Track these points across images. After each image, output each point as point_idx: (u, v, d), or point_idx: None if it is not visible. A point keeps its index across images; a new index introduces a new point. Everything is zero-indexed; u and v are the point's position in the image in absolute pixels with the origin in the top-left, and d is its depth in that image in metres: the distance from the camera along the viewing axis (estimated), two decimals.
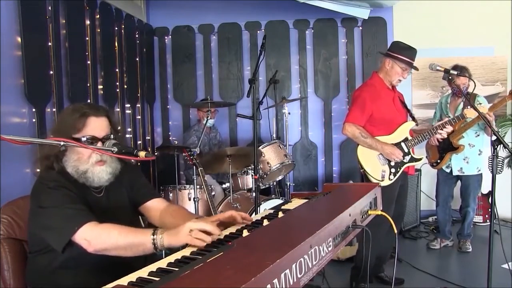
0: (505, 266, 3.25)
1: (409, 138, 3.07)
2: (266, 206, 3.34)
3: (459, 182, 4.04)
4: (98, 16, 3.97)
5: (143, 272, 1.17)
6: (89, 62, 3.78)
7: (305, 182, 5.24)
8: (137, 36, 4.79)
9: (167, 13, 5.22)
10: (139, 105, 4.80)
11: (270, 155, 3.87)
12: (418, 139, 3.08)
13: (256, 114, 3.05)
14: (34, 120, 3.06)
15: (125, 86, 4.45)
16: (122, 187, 1.81)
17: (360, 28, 5.14)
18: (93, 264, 1.57)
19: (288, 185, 4.41)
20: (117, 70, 4.29)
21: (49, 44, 3.24)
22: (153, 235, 1.43)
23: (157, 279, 1.11)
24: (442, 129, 3.06)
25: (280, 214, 1.62)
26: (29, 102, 3.02)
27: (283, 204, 1.99)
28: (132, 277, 1.14)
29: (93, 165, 1.66)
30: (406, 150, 3.05)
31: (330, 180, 5.19)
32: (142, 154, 1.52)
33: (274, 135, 4.82)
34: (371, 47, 5.11)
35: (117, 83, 4.29)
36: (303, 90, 5.21)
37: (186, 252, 1.32)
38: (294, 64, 5.21)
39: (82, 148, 1.60)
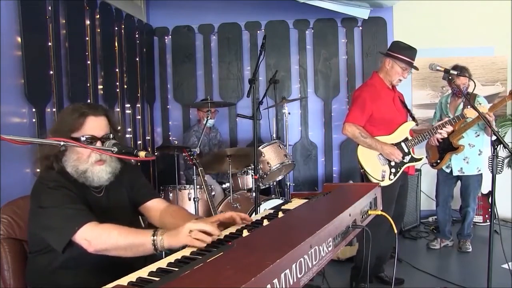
0: (505, 266, 3.25)
1: (409, 138, 3.07)
2: (266, 206, 3.34)
3: (459, 182, 4.04)
4: (98, 16, 3.97)
5: (143, 272, 1.17)
6: (89, 62, 3.78)
7: (305, 182, 5.24)
8: (137, 36, 4.79)
9: (167, 13, 5.22)
10: (139, 105, 4.80)
11: (270, 155, 3.87)
12: (418, 139, 3.08)
13: (256, 114, 3.05)
14: (34, 120, 3.06)
15: (125, 86, 4.45)
16: (122, 187, 1.81)
17: (360, 28, 5.14)
18: (93, 264, 1.57)
19: (288, 185, 4.41)
20: (117, 70, 4.29)
21: (49, 44, 3.24)
22: (153, 236, 1.43)
23: (157, 279, 1.11)
24: (442, 129, 3.06)
25: (280, 214, 1.62)
26: (29, 102, 3.02)
27: (283, 204, 1.99)
28: (132, 277, 1.14)
29: (93, 165, 1.66)
30: (406, 150, 3.05)
31: (330, 180, 5.19)
32: (142, 154, 1.52)
33: (274, 135, 4.82)
34: (371, 47, 5.11)
35: (117, 83, 4.29)
36: (303, 90, 5.21)
37: (186, 252, 1.32)
38: (294, 64, 5.21)
39: (81, 148, 1.60)
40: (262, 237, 1.30)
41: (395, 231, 1.92)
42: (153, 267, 1.20)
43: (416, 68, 3.04)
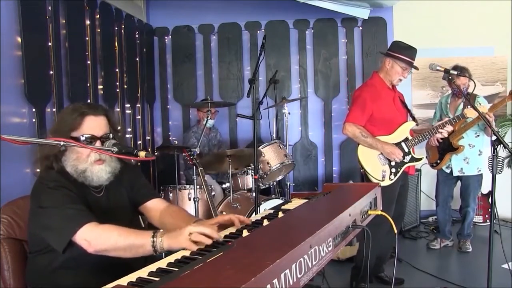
0: (505, 266, 3.25)
1: (409, 138, 3.07)
2: (266, 206, 3.34)
3: (459, 182, 4.05)
4: (98, 16, 3.97)
5: (143, 272, 1.17)
6: (89, 62, 3.78)
7: (305, 182, 5.24)
8: (137, 36, 4.79)
9: (167, 13, 5.22)
10: (139, 105, 4.80)
11: (270, 155, 3.87)
12: (419, 139, 3.08)
13: (256, 114, 3.05)
14: (34, 120, 3.06)
15: (125, 86, 4.45)
16: (122, 187, 1.81)
17: (360, 28, 5.14)
18: (93, 264, 1.57)
19: (288, 185, 4.41)
20: (117, 70, 4.29)
21: (49, 44, 3.24)
22: (153, 238, 1.43)
23: (157, 279, 1.11)
24: (442, 129, 3.06)
25: (280, 214, 1.62)
26: (29, 102, 3.02)
27: (283, 204, 1.99)
28: (132, 277, 1.14)
29: (92, 164, 1.66)
30: (406, 150, 3.05)
31: (330, 180, 5.19)
32: (142, 154, 1.52)
33: (274, 135, 4.82)
34: (371, 47, 5.11)
35: (117, 83, 4.29)
36: (303, 90, 5.21)
37: (186, 252, 1.32)
38: (294, 64, 5.21)
39: (81, 148, 1.60)
40: (262, 237, 1.30)
41: (395, 231, 1.92)
42: (153, 267, 1.20)
43: (416, 68, 3.04)
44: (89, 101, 3.73)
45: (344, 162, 5.21)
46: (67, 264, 1.58)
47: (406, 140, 3.06)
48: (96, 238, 1.47)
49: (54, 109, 3.27)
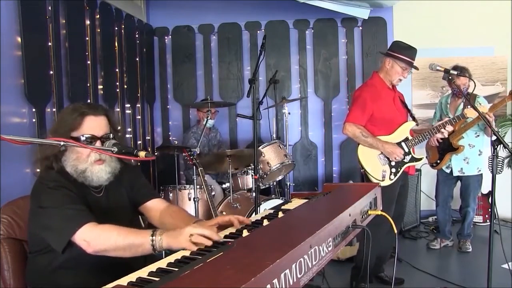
0: (505, 266, 3.25)
1: (410, 138, 3.07)
2: (266, 206, 3.34)
3: (459, 182, 4.05)
4: (98, 16, 3.97)
5: (143, 272, 1.17)
6: (89, 62, 3.78)
7: (305, 182, 5.24)
8: (137, 36, 4.79)
9: (167, 13, 5.22)
10: (139, 105, 4.80)
11: (270, 155, 3.87)
12: (419, 139, 3.08)
13: (256, 114, 3.05)
14: (34, 120, 3.06)
15: (125, 86, 4.45)
16: (121, 187, 1.81)
17: (360, 28, 5.14)
18: (93, 264, 1.57)
19: (288, 185, 4.41)
20: (117, 70, 4.29)
21: (49, 44, 3.24)
22: (152, 236, 1.43)
23: (157, 279, 1.11)
24: (442, 129, 3.06)
25: (280, 214, 1.62)
26: (29, 102, 3.02)
27: (283, 204, 1.99)
28: (132, 277, 1.14)
29: (92, 164, 1.66)
30: (406, 150, 3.05)
31: (330, 180, 5.19)
32: (142, 154, 1.52)
33: (274, 135, 4.82)
34: (371, 47, 5.11)
35: (117, 83, 4.29)
36: (303, 90, 5.21)
37: (186, 252, 1.32)
38: (294, 64, 5.21)
39: (81, 147, 1.60)
40: (262, 237, 1.30)
41: (395, 231, 1.92)
42: (153, 267, 1.20)
43: (416, 68, 3.04)
44: (89, 101, 3.74)
45: (344, 162, 5.21)
46: (67, 264, 1.58)
47: (406, 140, 3.06)
48: (96, 238, 1.47)
49: (54, 109, 3.27)
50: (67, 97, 3.44)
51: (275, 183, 4.28)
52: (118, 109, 4.30)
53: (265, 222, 1.51)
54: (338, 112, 5.19)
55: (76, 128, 1.64)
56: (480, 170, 3.91)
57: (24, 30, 2.92)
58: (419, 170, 4.67)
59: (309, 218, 1.57)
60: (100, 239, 1.47)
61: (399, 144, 3.04)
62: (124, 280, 1.12)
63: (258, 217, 1.70)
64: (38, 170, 2.11)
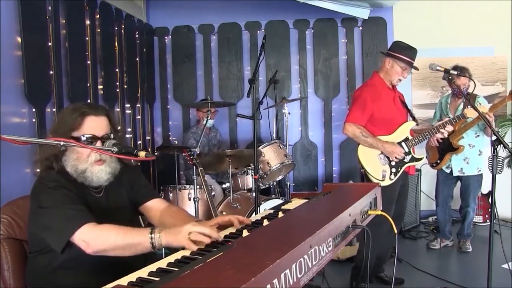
0: (505, 266, 3.25)
1: (410, 137, 3.07)
2: (266, 206, 3.34)
3: (459, 182, 4.05)
4: (98, 16, 3.97)
5: (143, 272, 1.17)
6: (89, 62, 3.78)
7: (305, 182, 5.24)
8: (137, 36, 4.79)
9: (167, 13, 5.22)
10: (139, 105, 4.80)
11: (270, 155, 3.87)
12: (419, 139, 3.08)
13: (256, 114, 3.05)
14: (34, 120, 3.06)
15: (125, 86, 4.45)
16: (121, 187, 1.81)
17: (360, 28, 5.14)
18: (93, 264, 1.57)
19: (288, 185, 4.41)
20: (117, 70, 4.29)
21: (49, 44, 3.24)
22: (151, 234, 1.44)
23: (157, 279, 1.11)
24: (442, 129, 3.06)
25: (280, 214, 1.62)
26: (29, 102, 3.02)
27: (283, 204, 1.99)
28: (132, 277, 1.14)
29: (92, 164, 1.66)
30: (406, 150, 3.05)
31: (330, 180, 5.19)
32: (142, 154, 1.52)
33: (274, 135, 4.82)
34: (371, 47, 5.11)
35: (117, 83, 4.29)
36: (303, 90, 5.21)
37: (186, 252, 1.32)
38: (294, 64, 5.21)
39: (81, 147, 1.60)
40: (262, 237, 1.30)
41: (395, 231, 1.92)
42: (153, 267, 1.20)
43: (416, 69, 3.04)
44: (89, 101, 3.74)
45: (344, 162, 5.21)
46: (67, 264, 1.57)
47: (406, 140, 3.06)
48: (95, 238, 1.47)
49: (54, 109, 3.27)
50: (67, 97, 3.44)
51: (275, 183, 4.28)
52: (118, 109, 4.30)
53: (265, 222, 1.51)
54: (338, 112, 5.19)
55: (77, 128, 1.64)
56: (480, 170, 3.91)
57: (24, 30, 2.92)
58: (419, 170, 4.67)
59: (309, 218, 1.57)
60: (99, 239, 1.47)
61: (399, 144, 3.04)
62: (124, 280, 1.12)
63: (258, 217, 1.70)
64: (38, 170, 2.11)
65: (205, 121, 4.08)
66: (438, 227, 4.27)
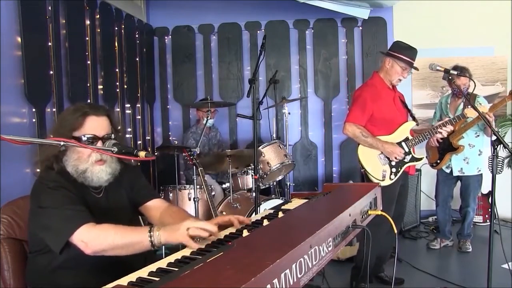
0: (505, 266, 3.25)
1: (410, 137, 3.07)
2: (266, 206, 3.34)
3: (459, 182, 4.05)
4: (98, 16, 3.97)
5: (143, 272, 1.17)
6: (89, 62, 3.78)
7: (305, 182, 5.24)
8: (137, 36, 4.79)
9: (167, 13, 5.22)
10: (139, 105, 4.80)
11: (270, 155, 3.87)
12: (419, 139, 3.08)
13: (256, 114, 3.05)
14: (34, 120, 3.06)
15: (125, 86, 4.45)
16: (121, 187, 1.81)
17: (360, 28, 5.14)
18: (93, 264, 1.57)
19: (288, 185, 4.41)
20: (117, 70, 4.29)
21: (49, 44, 3.24)
22: (150, 232, 1.44)
23: (157, 279, 1.11)
24: (442, 128, 3.06)
25: (280, 214, 1.62)
26: (29, 102, 3.02)
27: (283, 204, 1.99)
28: (132, 277, 1.14)
29: (93, 165, 1.66)
30: (406, 150, 3.05)
31: (330, 180, 5.19)
32: (142, 154, 1.52)
33: (274, 135, 4.82)
34: (371, 47, 5.11)
35: (117, 83, 4.29)
36: (303, 90, 5.21)
37: (186, 252, 1.32)
38: (294, 64, 5.21)
39: (81, 147, 1.60)
40: (262, 237, 1.30)
41: (395, 231, 1.92)
42: (153, 267, 1.20)
43: (416, 69, 3.04)
44: (89, 101, 3.74)
45: (344, 162, 5.21)
46: (66, 264, 1.57)
47: (406, 140, 3.06)
48: (94, 239, 1.47)
49: (54, 109, 3.27)
50: (67, 97, 3.44)
51: (275, 183, 4.28)
52: (118, 109, 4.30)
53: (265, 222, 1.51)
54: (338, 112, 5.19)
55: (78, 128, 1.64)
56: (480, 170, 3.91)
57: (24, 30, 2.92)
58: (419, 170, 4.67)
59: (309, 218, 1.57)
60: (98, 240, 1.47)
61: (399, 144, 3.04)
62: (124, 280, 1.12)
63: (258, 217, 1.70)
64: (38, 170, 2.11)
65: (205, 121, 4.08)
66: (438, 227, 4.27)
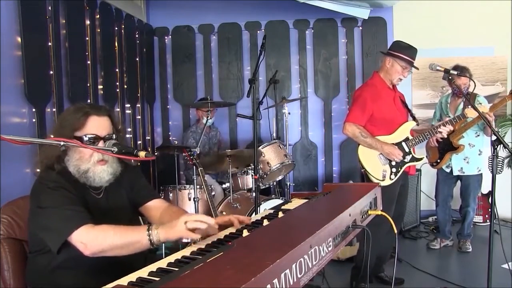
0: (505, 266, 3.25)
1: (410, 137, 3.07)
2: (266, 206, 3.34)
3: (459, 182, 4.05)
4: (98, 16, 3.97)
5: (143, 272, 1.17)
6: (89, 62, 3.78)
7: (305, 182, 5.24)
8: (137, 36, 4.79)
9: (167, 13, 5.22)
10: (139, 105, 4.80)
11: (270, 155, 3.87)
12: (419, 139, 3.08)
13: (256, 114, 3.05)
14: (34, 120, 3.06)
15: (125, 86, 4.45)
16: (121, 188, 1.81)
17: (360, 28, 5.14)
18: (93, 264, 1.57)
19: (288, 185, 4.41)
20: (117, 70, 4.29)
21: (49, 44, 3.24)
22: (149, 231, 1.45)
23: (157, 279, 1.11)
24: (442, 127, 3.05)
25: (280, 214, 1.62)
26: (29, 102, 3.01)
27: (283, 204, 1.99)
28: (132, 277, 1.14)
29: (95, 164, 1.66)
30: (407, 150, 3.05)
31: (330, 180, 5.19)
32: (142, 154, 1.52)
33: (274, 135, 4.82)
34: (371, 47, 5.11)
35: (117, 83, 4.29)
36: (303, 90, 5.21)
37: (186, 252, 1.32)
38: (294, 64, 5.21)
39: (81, 147, 1.60)
40: (262, 237, 1.30)
41: (395, 231, 1.92)
42: (153, 267, 1.20)
43: (416, 68, 3.04)
44: (89, 101, 3.74)
45: (344, 162, 5.21)
46: (66, 264, 1.57)
47: (406, 140, 3.06)
48: (93, 240, 1.47)
49: (54, 109, 3.27)
50: (67, 97, 3.44)
51: (275, 183, 4.28)
52: (118, 109, 4.30)
53: (265, 222, 1.51)
54: (338, 112, 5.19)
55: (80, 128, 1.64)
56: (480, 170, 3.91)
57: (24, 30, 2.92)
58: (419, 170, 4.67)
59: (309, 218, 1.57)
60: (97, 241, 1.47)
61: (399, 144, 3.04)
62: (124, 280, 1.12)
63: (258, 217, 1.70)
64: (38, 170, 2.11)
65: (205, 120, 4.08)
66: (438, 227, 4.27)
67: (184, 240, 1.51)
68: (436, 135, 3.17)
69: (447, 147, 3.86)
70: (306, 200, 1.91)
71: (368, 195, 1.83)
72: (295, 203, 1.91)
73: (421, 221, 4.84)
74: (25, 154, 2.85)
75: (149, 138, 5.10)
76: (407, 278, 3.32)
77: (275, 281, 0.99)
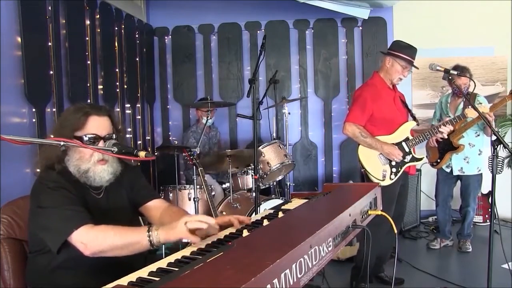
0: (505, 266, 3.25)
1: (410, 137, 3.07)
2: (266, 206, 3.34)
3: (459, 182, 4.05)
4: (98, 16, 3.97)
5: (143, 272, 1.17)
6: (89, 62, 3.78)
7: (305, 182, 5.24)
8: (137, 36, 4.79)
9: (167, 13, 5.22)
10: (139, 105, 4.80)
11: (270, 155, 3.87)
12: (419, 139, 3.08)
13: (256, 114, 3.05)
14: (34, 120, 3.06)
15: (125, 86, 4.45)
16: (121, 188, 1.81)
17: (360, 28, 5.14)
18: (93, 264, 1.57)
19: (288, 185, 4.41)
20: (117, 70, 4.29)
21: (49, 44, 3.24)
22: (149, 232, 1.45)
23: (157, 279, 1.11)
24: (442, 127, 3.05)
25: (280, 214, 1.62)
26: (29, 102, 3.01)
27: (283, 204, 1.99)
28: (132, 277, 1.14)
29: (95, 164, 1.66)
30: (407, 150, 3.05)
31: (330, 180, 5.19)
32: (142, 154, 1.52)
33: (274, 135, 4.82)
34: (371, 47, 5.11)
35: (117, 83, 4.29)
36: (303, 90, 5.21)
37: (186, 252, 1.32)
38: (294, 64, 5.21)
39: (81, 147, 1.61)
40: (262, 237, 1.30)
41: (395, 231, 1.92)
42: (153, 267, 1.20)
43: (416, 67, 3.04)
44: (89, 101, 3.74)
45: (344, 162, 5.21)
46: (66, 264, 1.57)
47: (406, 140, 3.06)
48: (93, 240, 1.47)
49: (54, 109, 3.27)
50: (67, 97, 3.44)
51: (275, 183, 4.28)
52: (118, 109, 4.30)
53: (265, 222, 1.51)
54: (338, 112, 5.19)
55: (80, 128, 1.64)
56: (480, 170, 3.91)
57: (24, 30, 2.92)
58: (419, 170, 4.67)
59: (309, 218, 1.57)
60: (97, 241, 1.47)
61: (399, 144, 3.04)
62: (124, 280, 1.12)
63: (258, 217, 1.70)
64: (38, 170, 2.11)
65: (205, 120, 4.08)
66: (438, 227, 4.27)
67: (184, 240, 1.50)
68: (437, 135, 3.17)
69: (447, 147, 3.86)
70: (306, 200, 1.91)
71: (368, 195, 1.83)
72: (295, 203, 1.91)
73: (421, 221, 4.84)
74: (25, 154, 2.85)
75: (149, 138, 5.10)
76: (407, 278, 3.32)
77: (275, 281, 0.99)
